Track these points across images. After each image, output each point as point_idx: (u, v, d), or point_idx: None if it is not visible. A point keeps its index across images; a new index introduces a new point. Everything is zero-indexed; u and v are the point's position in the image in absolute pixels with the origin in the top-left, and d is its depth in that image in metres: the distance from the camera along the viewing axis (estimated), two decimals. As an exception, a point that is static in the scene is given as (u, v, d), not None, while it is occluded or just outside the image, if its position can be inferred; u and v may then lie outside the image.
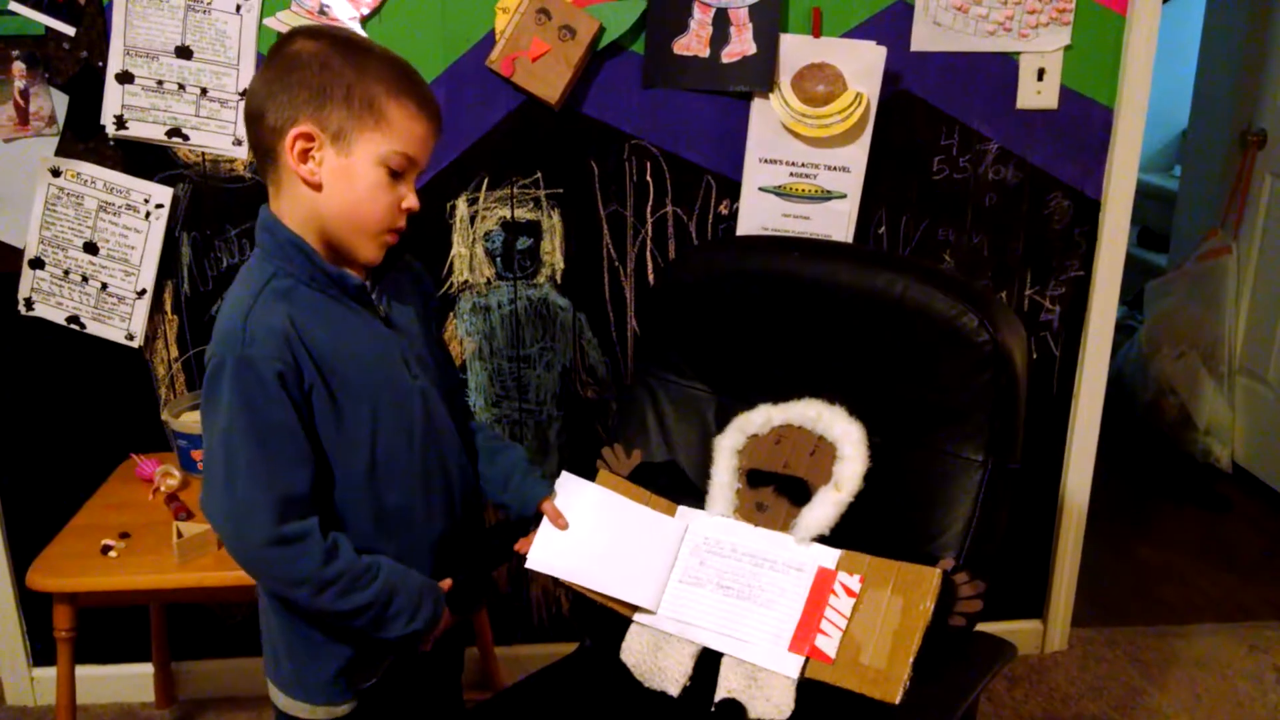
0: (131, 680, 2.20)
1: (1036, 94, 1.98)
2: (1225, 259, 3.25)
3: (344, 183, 1.18)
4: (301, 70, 1.16)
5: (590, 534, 1.41)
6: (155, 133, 1.87)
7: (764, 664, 1.32)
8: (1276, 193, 3.09)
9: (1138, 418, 3.48)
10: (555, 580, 1.42)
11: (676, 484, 1.52)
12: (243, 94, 1.85)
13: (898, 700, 1.22)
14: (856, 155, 1.94)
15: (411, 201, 1.23)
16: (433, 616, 1.29)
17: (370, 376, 1.24)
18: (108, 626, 2.11)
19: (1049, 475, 2.27)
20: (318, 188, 1.18)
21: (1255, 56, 3.15)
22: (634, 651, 1.39)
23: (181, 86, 1.85)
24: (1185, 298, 3.40)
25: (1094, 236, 2.09)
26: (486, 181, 1.95)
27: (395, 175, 1.20)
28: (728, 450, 1.47)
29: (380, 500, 1.26)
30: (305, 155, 1.17)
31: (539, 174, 1.96)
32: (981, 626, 1.33)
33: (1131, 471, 3.24)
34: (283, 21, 1.82)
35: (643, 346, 1.70)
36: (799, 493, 1.41)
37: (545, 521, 1.42)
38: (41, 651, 2.17)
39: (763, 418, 1.47)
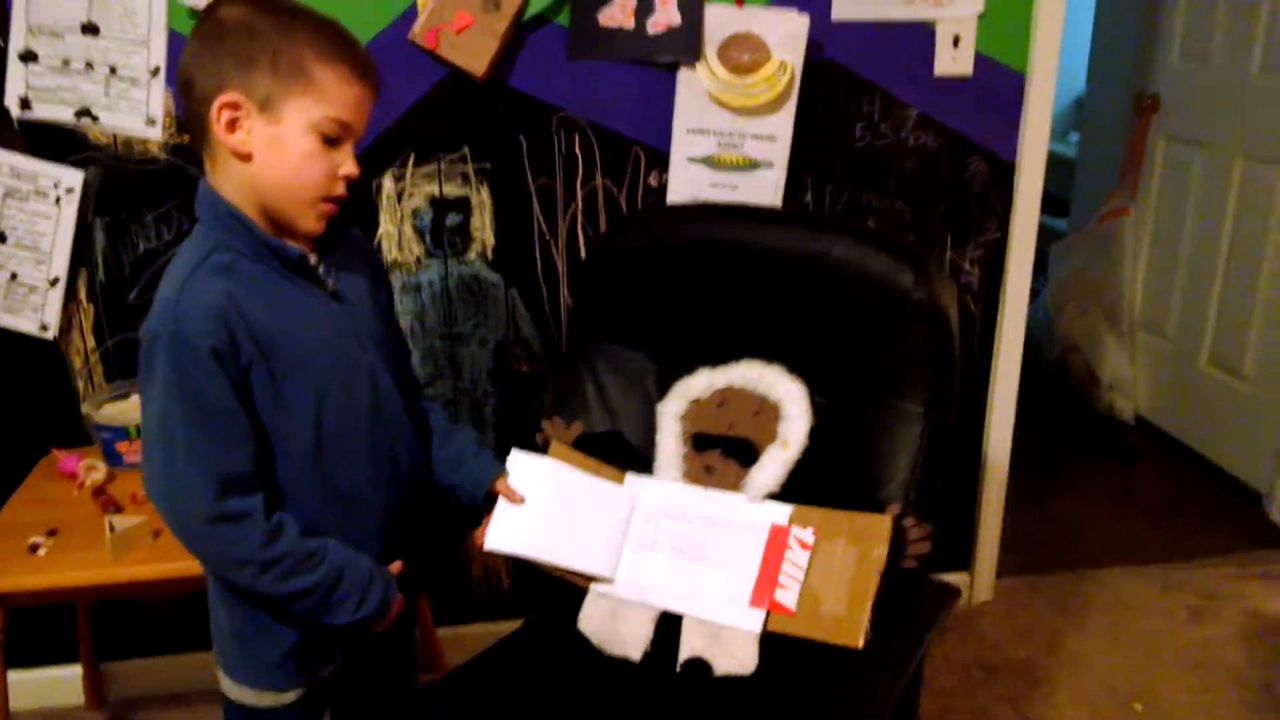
0: (59, 682, 2.13)
1: (953, 61, 2.02)
2: (1124, 220, 3.38)
3: (275, 152, 1.15)
4: (228, 38, 1.13)
5: (545, 509, 1.41)
6: (63, 114, 1.79)
7: (725, 621, 1.34)
8: (1171, 155, 3.22)
9: (1046, 375, 3.60)
10: (499, 558, 1.41)
11: (621, 453, 1.53)
12: (154, 72, 1.79)
13: (860, 644, 1.25)
14: (782, 123, 1.96)
15: (350, 168, 1.19)
16: (382, 602, 1.27)
17: (315, 352, 1.21)
18: (31, 628, 2.03)
19: (971, 433, 2.34)
20: (247, 158, 1.15)
21: (1149, 21, 3.27)
22: (592, 620, 1.40)
23: (89, 65, 1.78)
24: (1087, 258, 3.52)
25: (1009, 199, 2.15)
26: (413, 157, 1.92)
27: (330, 142, 1.16)
28: (671, 416, 1.49)
29: (327, 479, 1.24)
30: (233, 125, 1.13)
31: (466, 149, 1.93)
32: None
33: (1043, 426, 3.36)
34: (196, -4, 1.76)
35: (578, 318, 1.70)
36: (746, 453, 1.44)
37: (501, 501, 1.40)
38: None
39: (704, 382, 1.49)
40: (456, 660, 1.56)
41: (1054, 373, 3.60)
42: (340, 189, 1.20)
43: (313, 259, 1.24)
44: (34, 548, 1.61)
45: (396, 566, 1.31)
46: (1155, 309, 3.32)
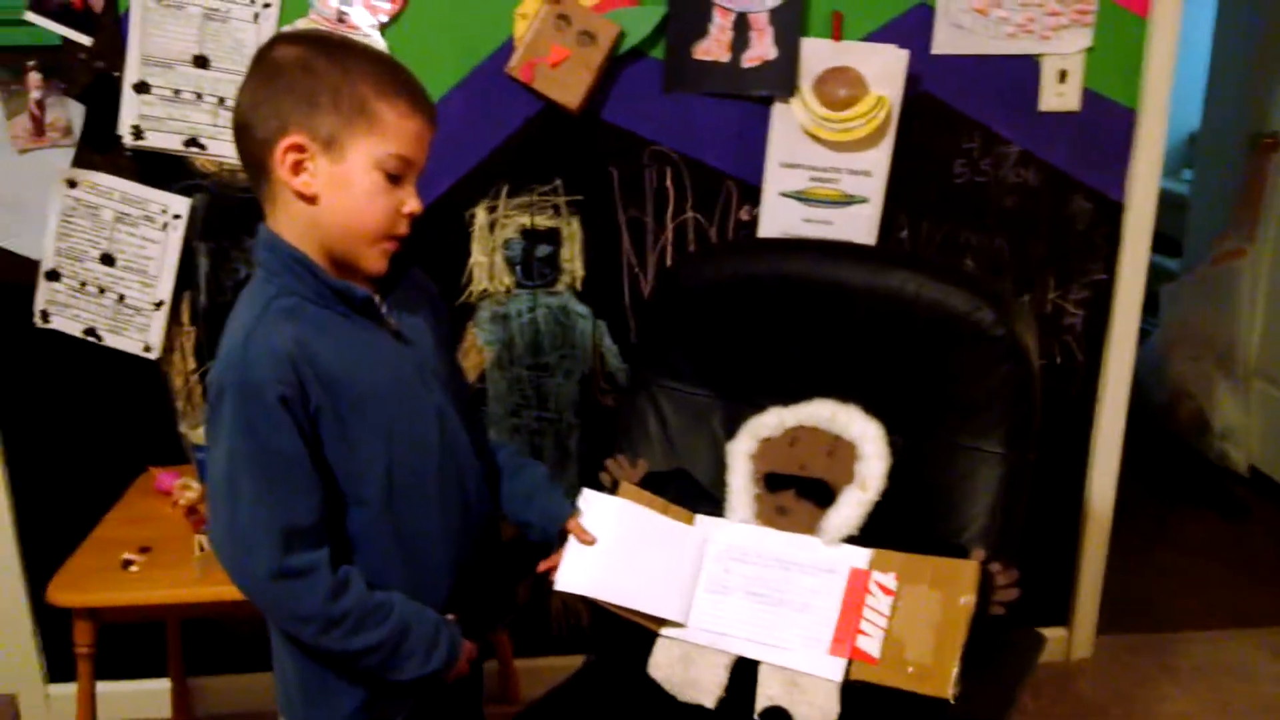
0: (148, 696, 2.17)
1: (1058, 96, 1.96)
2: (1240, 262, 3.23)
3: (340, 191, 1.12)
4: (285, 77, 1.11)
5: (615, 550, 1.37)
6: (172, 143, 1.86)
7: (804, 669, 1.30)
8: (1291, 196, 3.08)
9: (1153, 421, 3.46)
10: (580, 596, 1.38)
11: (689, 492, 1.50)
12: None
13: (950, 695, 1.20)
14: (878, 159, 1.93)
15: (413, 205, 1.17)
16: (450, 654, 1.23)
17: (384, 395, 1.19)
18: (124, 642, 2.09)
19: (1072, 481, 2.25)
20: (313, 200, 1.13)
21: (1267, 59, 3.14)
22: (663, 665, 1.37)
23: (199, 96, 1.84)
24: (1200, 301, 3.38)
25: (1116, 239, 2.08)
26: (506, 189, 1.94)
27: (393, 179, 1.14)
28: (742, 455, 1.45)
29: (398, 523, 1.21)
30: (298, 167, 1.11)
31: (558, 181, 1.94)
32: (1005, 634, 1.32)
33: (1148, 475, 3.22)
34: (302, 29, 1.81)
35: (642, 353, 1.66)
36: (821, 494, 1.40)
37: (571, 540, 1.36)
38: (57, 668, 2.15)
39: (775, 420, 1.45)
40: (534, 693, 1.54)
41: (1162, 418, 3.45)
42: (404, 227, 1.18)
43: (376, 299, 1.21)
44: (126, 564, 1.65)
45: (453, 618, 1.27)
46: (1272, 356, 3.16)
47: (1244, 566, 2.77)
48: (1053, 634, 2.34)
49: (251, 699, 2.18)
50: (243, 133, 1.14)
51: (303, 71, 1.11)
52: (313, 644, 1.17)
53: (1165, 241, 4.42)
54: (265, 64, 1.13)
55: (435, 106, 1.20)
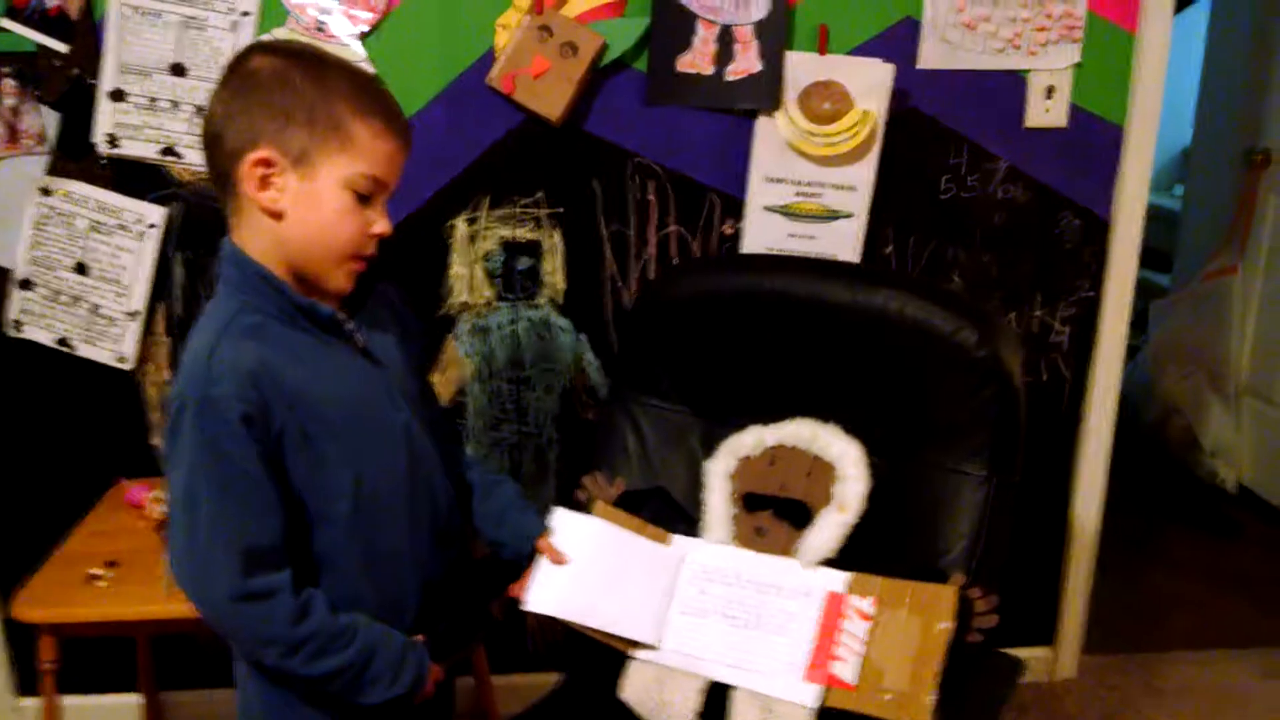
0: (119, 711, 2.14)
1: (1046, 112, 1.94)
2: (1231, 279, 3.21)
3: (308, 209, 1.10)
4: (260, 89, 1.09)
5: (588, 569, 1.35)
6: (148, 151, 1.83)
7: (779, 694, 1.27)
8: (1282, 213, 3.06)
9: (1143, 438, 3.44)
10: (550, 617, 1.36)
11: (666, 511, 1.48)
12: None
13: None
14: (864, 174, 1.91)
15: (382, 226, 1.15)
16: (416, 678, 1.21)
17: (350, 414, 1.16)
18: (95, 656, 2.06)
19: (1058, 499, 2.22)
20: (279, 216, 1.11)
21: (1260, 75, 3.13)
22: (635, 688, 1.34)
23: (175, 104, 1.81)
24: (1190, 318, 3.36)
25: (1104, 257, 2.06)
26: (487, 201, 1.91)
27: (363, 199, 1.12)
28: (720, 474, 1.43)
29: (368, 543, 1.19)
30: (265, 182, 1.09)
31: (540, 193, 1.92)
32: (990, 653, 1.30)
33: (1137, 492, 3.20)
34: (279, 39, 1.79)
35: (620, 369, 1.64)
36: (799, 515, 1.38)
37: (543, 560, 1.34)
38: (28, 681, 2.11)
39: (754, 439, 1.43)
40: (511, 710, 1.52)
41: (1152, 435, 3.43)
42: (372, 248, 1.16)
43: (341, 317, 1.19)
44: (93, 578, 1.62)
45: (420, 639, 1.24)
46: (1263, 374, 3.14)
47: (1233, 586, 2.74)
48: (1038, 653, 2.32)
49: (224, 714, 2.14)
50: (213, 143, 1.12)
51: (278, 84, 1.09)
52: (276, 668, 1.14)
53: (1158, 257, 4.42)
54: (240, 74, 1.11)
55: (411, 128, 1.18)
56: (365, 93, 1.12)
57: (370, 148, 1.11)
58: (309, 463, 1.13)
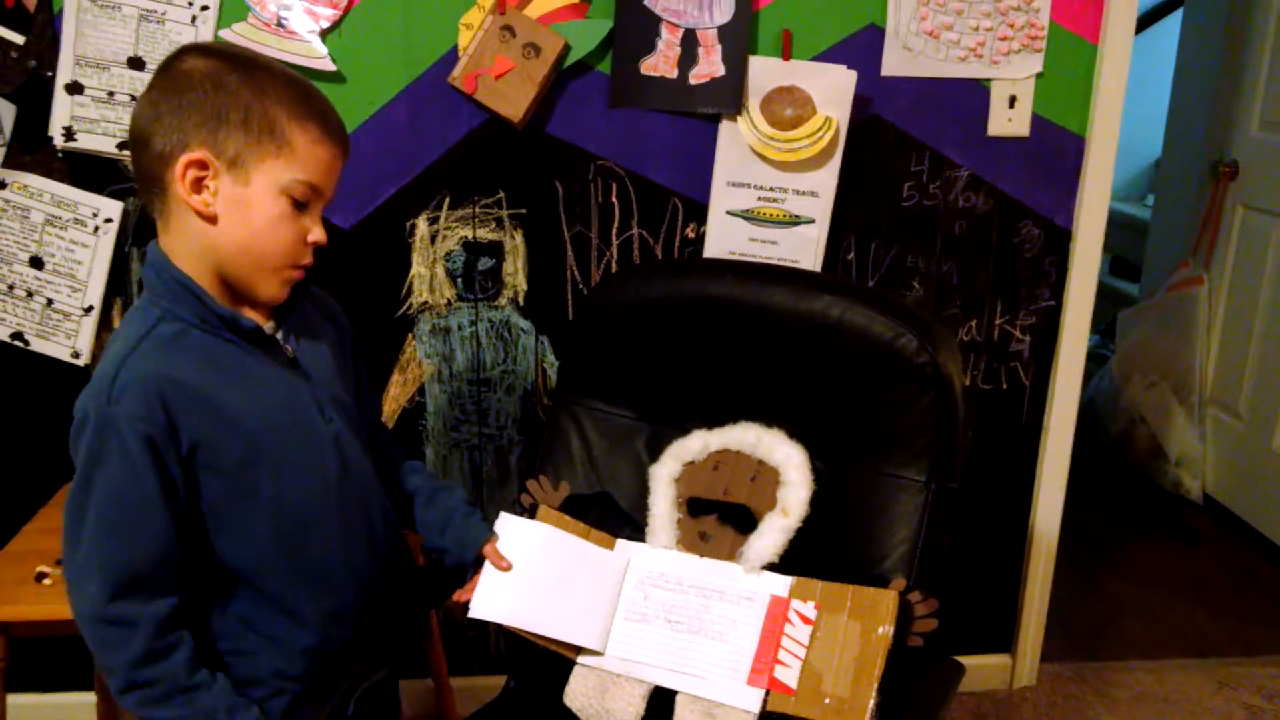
0: (73, 709, 2.12)
1: (1008, 121, 1.95)
2: (1197, 289, 3.24)
3: (241, 215, 1.08)
4: (194, 91, 1.06)
5: (533, 576, 1.34)
6: (106, 145, 1.81)
7: (722, 699, 1.27)
8: (1248, 224, 3.08)
9: (1108, 447, 3.46)
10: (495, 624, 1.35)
11: (611, 516, 1.47)
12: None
13: None
14: (825, 180, 1.91)
15: (317, 235, 1.13)
16: None
17: (274, 425, 1.14)
18: (47, 653, 2.04)
19: (1018, 507, 2.23)
20: (212, 220, 1.08)
21: (1227, 87, 3.15)
22: (579, 695, 1.34)
23: (133, 98, 1.79)
24: (1157, 328, 3.39)
25: (1065, 266, 2.07)
26: (448, 200, 1.90)
27: (299, 206, 1.10)
28: (665, 479, 1.42)
29: (297, 556, 1.17)
30: (198, 185, 1.07)
31: (502, 193, 1.91)
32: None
33: (1101, 501, 3.21)
34: (238, 34, 1.78)
35: (565, 373, 1.63)
36: (743, 520, 1.38)
37: (487, 566, 1.33)
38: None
39: (699, 444, 1.43)
40: (469, 710, 1.51)
41: (1117, 445, 3.45)
42: (308, 256, 1.15)
43: (269, 327, 1.17)
44: (40, 577, 1.60)
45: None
46: (1227, 385, 3.16)
47: (1195, 595, 2.76)
48: (996, 661, 2.33)
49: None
50: (140, 144, 1.09)
51: (213, 86, 1.07)
52: (116, 698, 1.10)
53: (1128, 267, 4.45)
54: (172, 75, 1.09)
55: (348, 136, 1.17)
56: (302, 98, 1.10)
57: (307, 154, 1.09)
58: (226, 478, 1.11)
